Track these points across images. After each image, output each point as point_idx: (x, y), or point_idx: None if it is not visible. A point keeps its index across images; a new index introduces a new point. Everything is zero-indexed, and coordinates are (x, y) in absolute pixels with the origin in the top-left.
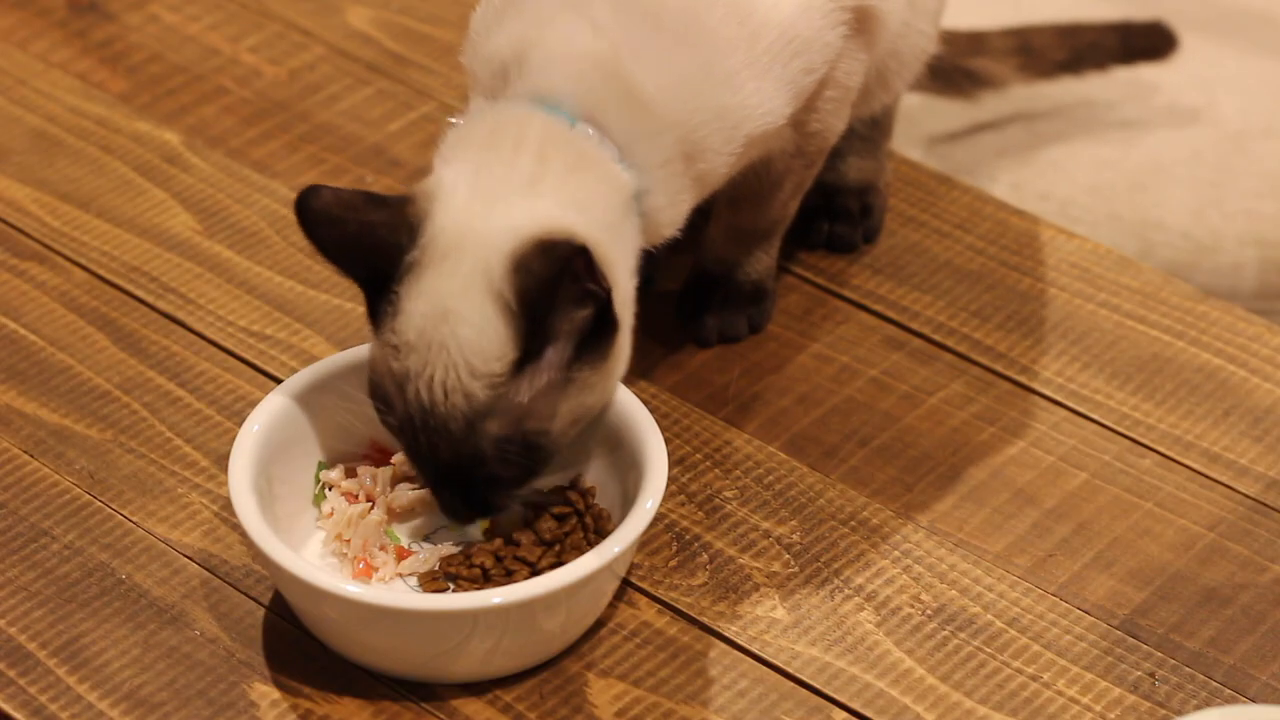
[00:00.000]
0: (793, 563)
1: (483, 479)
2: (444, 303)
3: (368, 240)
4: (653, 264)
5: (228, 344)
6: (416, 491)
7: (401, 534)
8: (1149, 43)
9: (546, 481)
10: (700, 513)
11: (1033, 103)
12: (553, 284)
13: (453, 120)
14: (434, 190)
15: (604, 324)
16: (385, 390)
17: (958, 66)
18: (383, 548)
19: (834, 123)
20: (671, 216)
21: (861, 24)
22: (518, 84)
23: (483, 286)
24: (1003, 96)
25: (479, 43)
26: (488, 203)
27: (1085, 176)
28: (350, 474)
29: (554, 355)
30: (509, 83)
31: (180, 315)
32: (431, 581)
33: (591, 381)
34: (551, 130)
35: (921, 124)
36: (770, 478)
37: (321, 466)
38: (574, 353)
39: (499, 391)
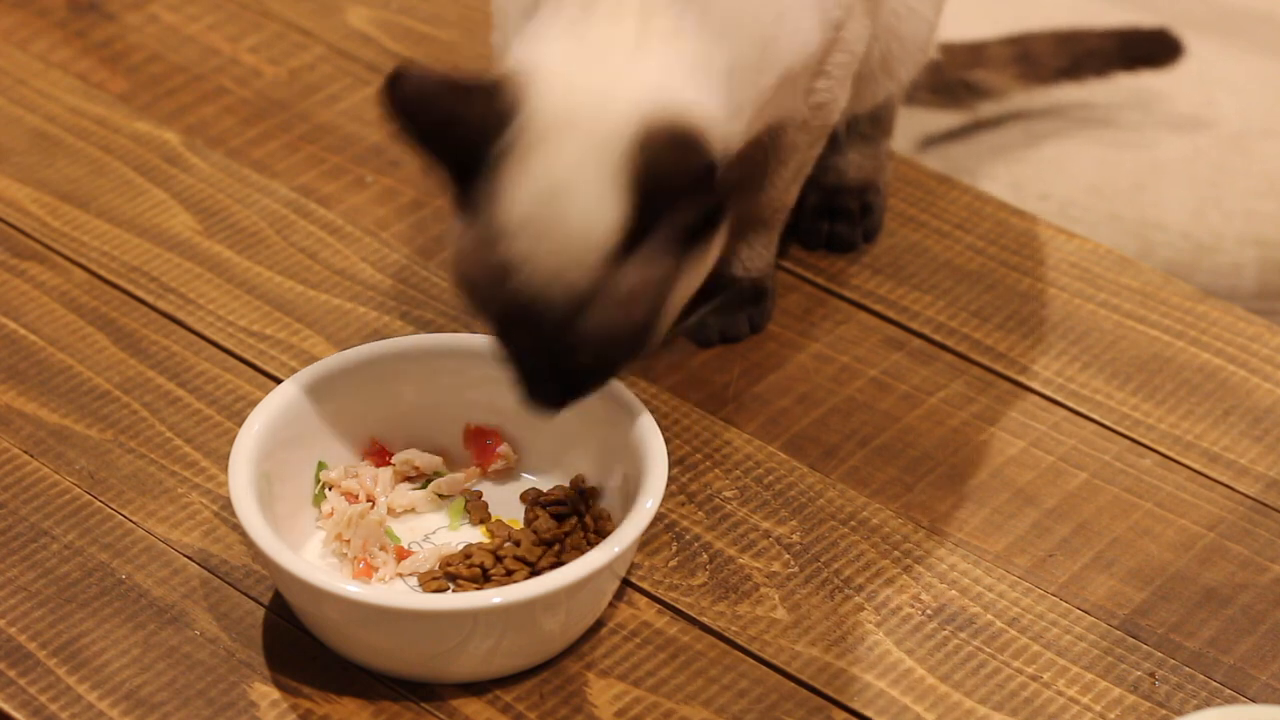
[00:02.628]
0: (793, 563)
1: (577, 369)
2: (553, 182)
3: (458, 126)
4: None
5: (228, 344)
6: (417, 491)
7: (401, 534)
8: (1151, 50)
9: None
10: (700, 513)
11: (1032, 103)
12: (677, 186)
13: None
14: (528, 67)
15: (714, 214)
16: (478, 282)
17: (958, 79)
18: (383, 548)
19: (840, 93)
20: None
21: None
22: None
23: (597, 164)
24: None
25: None
26: (597, 75)
27: (1085, 176)
28: (350, 474)
29: (665, 242)
30: None
31: (180, 315)
32: (431, 581)
33: (697, 268)
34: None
35: (920, 123)
36: (770, 478)
37: (321, 466)
38: (683, 241)
39: (605, 275)
